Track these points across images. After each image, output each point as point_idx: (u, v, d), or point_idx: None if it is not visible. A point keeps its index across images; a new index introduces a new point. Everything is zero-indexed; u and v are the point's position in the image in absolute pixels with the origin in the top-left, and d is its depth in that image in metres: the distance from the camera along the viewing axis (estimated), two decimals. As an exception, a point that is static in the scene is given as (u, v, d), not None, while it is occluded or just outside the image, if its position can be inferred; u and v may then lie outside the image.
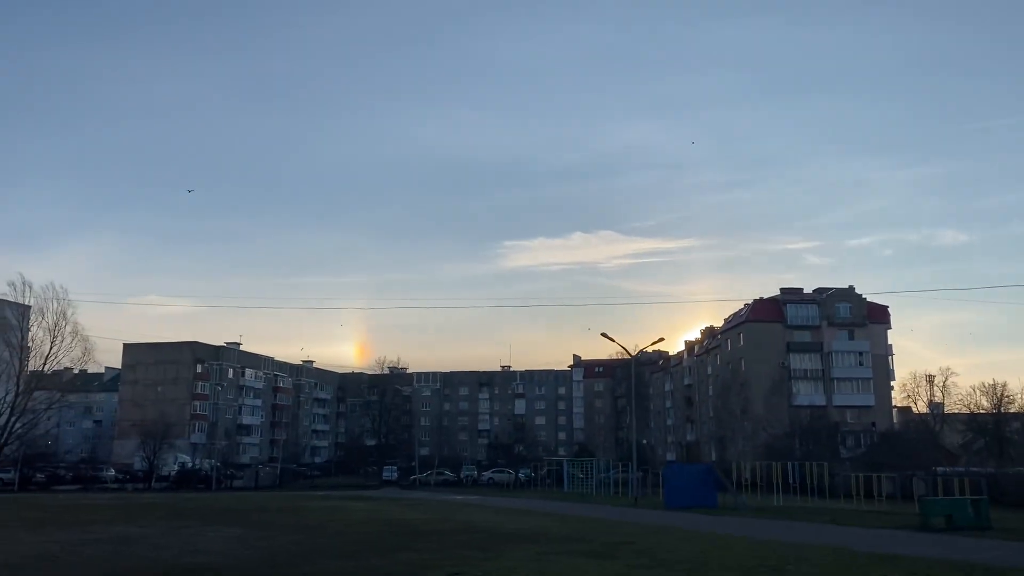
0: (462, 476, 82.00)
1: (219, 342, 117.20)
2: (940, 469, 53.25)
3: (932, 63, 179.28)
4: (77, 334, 64.91)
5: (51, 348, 62.09)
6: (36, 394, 61.19)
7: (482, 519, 29.67)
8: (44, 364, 61.45)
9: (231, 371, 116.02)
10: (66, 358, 64.53)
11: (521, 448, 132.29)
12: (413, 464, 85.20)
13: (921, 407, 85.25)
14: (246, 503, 38.53)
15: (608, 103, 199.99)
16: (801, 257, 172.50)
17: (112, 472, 66.30)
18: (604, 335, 45.01)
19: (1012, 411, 70.03)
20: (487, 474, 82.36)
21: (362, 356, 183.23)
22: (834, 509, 37.42)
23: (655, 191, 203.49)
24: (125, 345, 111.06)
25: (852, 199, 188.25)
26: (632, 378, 46.24)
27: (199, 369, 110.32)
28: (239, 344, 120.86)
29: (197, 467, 66.26)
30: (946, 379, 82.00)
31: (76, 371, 65.43)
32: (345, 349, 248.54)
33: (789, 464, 46.84)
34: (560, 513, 34.92)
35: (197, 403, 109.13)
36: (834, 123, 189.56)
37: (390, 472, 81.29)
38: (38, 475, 60.27)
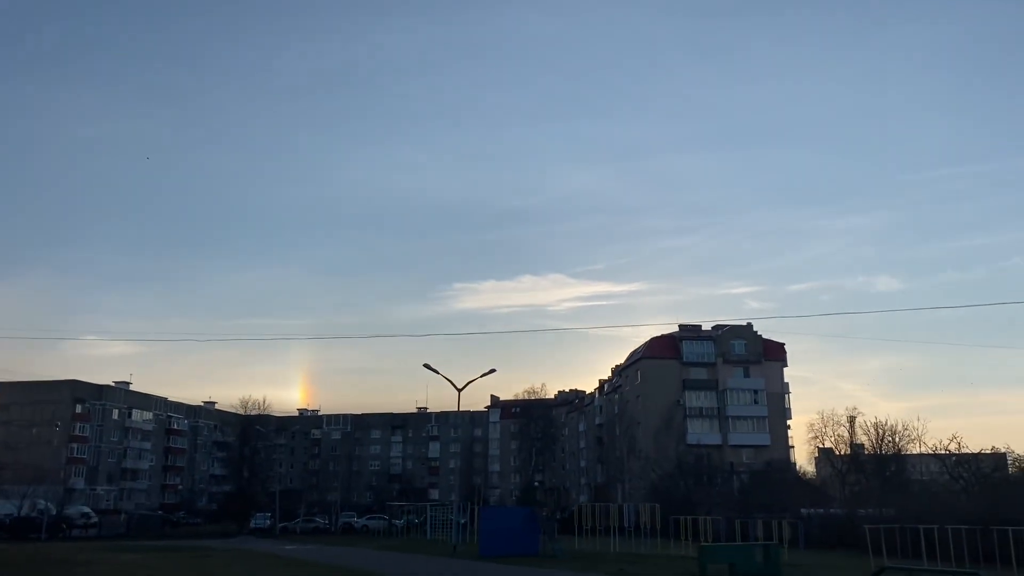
0: (340, 523, 77.43)
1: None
2: (804, 510, 51.18)
3: (868, 114, 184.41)
4: None
5: None
6: None
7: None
8: None
9: (116, 412, 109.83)
10: None
11: (433, 492, 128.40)
12: (283, 510, 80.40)
13: (830, 446, 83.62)
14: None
15: (558, 147, 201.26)
16: (742, 302, 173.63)
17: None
18: (427, 366, 41.77)
19: (901, 453, 68.47)
20: (361, 520, 78.00)
21: (305, 399, 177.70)
22: (650, 556, 34.57)
23: (604, 235, 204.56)
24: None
25: (792, 246, 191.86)
26: (459, 407, 42.68)
27: (79, 409, 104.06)
28: (128, 383, 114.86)
29: (31, 515, 60.78)
30: (853, 419, 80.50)
31: None
32: (294, 393, 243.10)
33: (648, 507, 44.14)
34: (339, 564, 31.34)
35: (75, 445, 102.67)
36: (776, 172, 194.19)
37: (262, 519, 76.44)
38: None
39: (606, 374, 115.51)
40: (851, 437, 78.92)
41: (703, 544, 30.17)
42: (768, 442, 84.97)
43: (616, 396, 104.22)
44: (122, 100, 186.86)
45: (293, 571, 28.01)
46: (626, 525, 43.62)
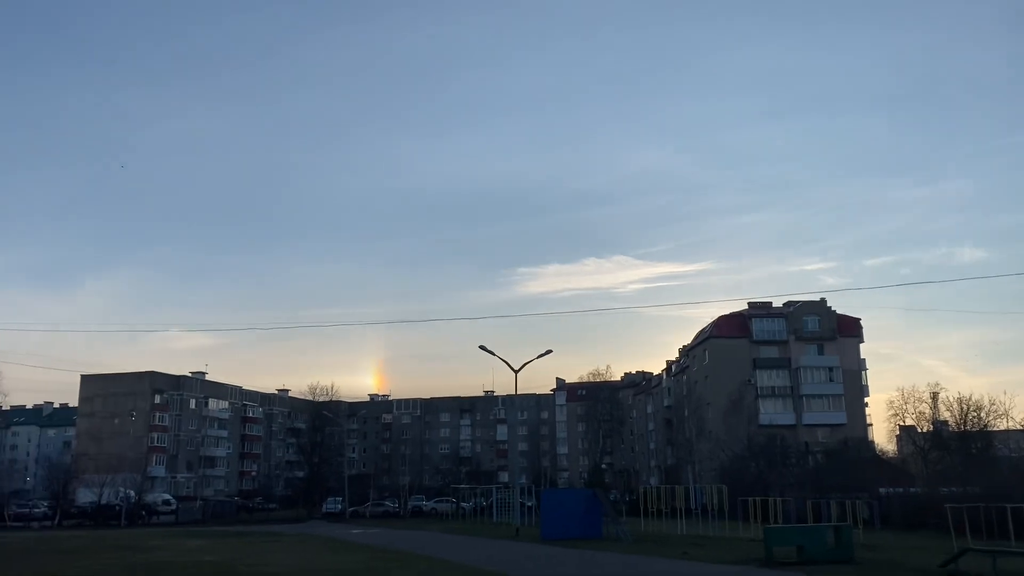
0: (410, 506, 77.93)
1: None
2: (883, 490, 49.12)
3: (946, 80, 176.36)
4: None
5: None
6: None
7: (269, 560, 26.00)
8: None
9: (193, 401, 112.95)
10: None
11: (503, 475, 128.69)
12: (354, 495, 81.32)
13: (911, 424, 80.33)
14: (71, 544, 35.05)
15: (620, 128, 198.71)
16: (816, 278, 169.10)
17: (17, 509, 62.91)
18: (483, 347, 41.13)
19: (987, 429, 65.13)
20: (429, 504, 78.37)
21: (379, 385, 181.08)
22: (716, 539, 33.41)
23: (668, 215, 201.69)
24: (83, 377, 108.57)
25: (866, 218, 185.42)
26: (516, 390, 42.12)
27: (158, 400, 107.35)
28: (204, 374, 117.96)
29: (112, 502, 62.83)
30: (936, 395, 77.10)
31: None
32: (366, 380, 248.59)
33: (710, 488, 42.81)
34: (399, 549, 31.12)
35: (155, 435, 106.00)
36: (847, 143, 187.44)
37: (334, 504, 77.45)
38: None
39: (673, 355, 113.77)
40: (933, 414, 75.48)
41: (768, 525, 28.84)
42: (844, 421, 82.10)
43: (684, 377, 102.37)
44: (194, 100, 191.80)
45: (345, 554, 27.86)
46: (693, 507, 42.41)
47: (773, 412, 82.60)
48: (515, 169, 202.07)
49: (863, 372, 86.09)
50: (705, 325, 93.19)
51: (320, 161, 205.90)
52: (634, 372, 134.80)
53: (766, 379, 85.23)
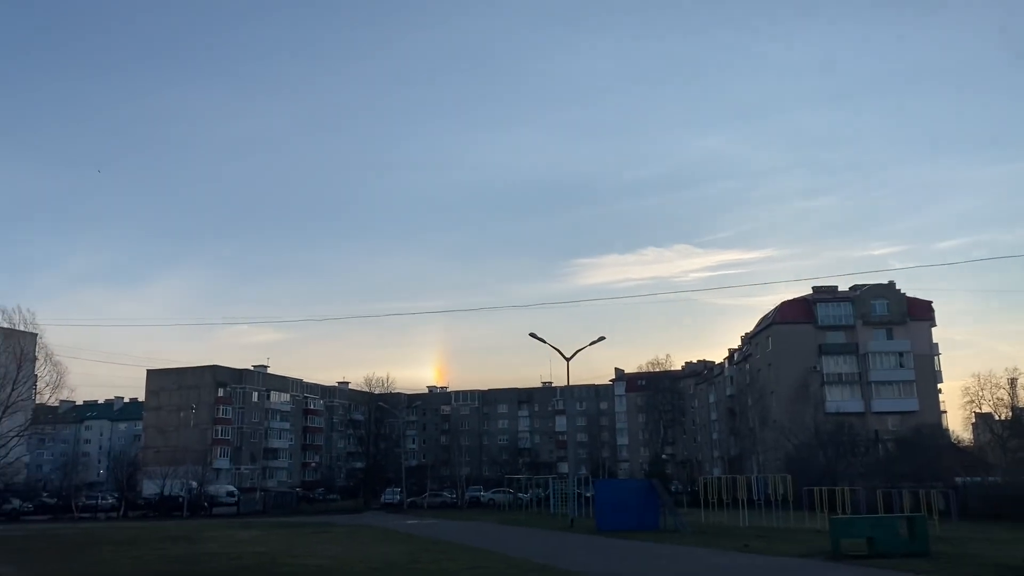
0: (467, 496, 77.63)
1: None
2: (960, 479, 46.67)
3: (1021, 55, 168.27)
4: (48, 360, 63.87)
5: (18, 373, 60.99)
6: (5, 422, 59.92)
7: (315, 552, 25.51)
8: (11, 390, 60.16)
9: (255, 394, 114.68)
10: (46, 385, 63.67)
11: (562, 466, 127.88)
12: (413, 486, 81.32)
13: (988, 411, 76.79)
14: (126, 535, 35.29)
15: (677, 114, 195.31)
16: (885, 262, 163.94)
17: (86, 500, 64.52)
18: (533, 335, 40.05)
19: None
20: (487, 494, 77.87)
21: (440, 377, 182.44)
22: (780, 530, 31.83)
23: (730, 201, 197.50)
24: (149, 371, 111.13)
25: (938, 200, 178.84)
26: (568, 381, 41.00)
27: (221, 393, 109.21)
28: (266, 367, 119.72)
29: (175, 494, 63.92)
30: (1014, 380, 73.44)
31: (49, 398, 63.97)
32: (425, 372, 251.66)
33: (771, 478, 41.13)
34: (450, 540, 30.41)
35: (219, 427, 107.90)
36: (916, 123, 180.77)
37: (392, 495, 77.62)
38: (5, 505, 58.93)
39: (736, 344, 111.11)
40: (1012, 400, 72.00)
41: (835, 516, 27.22)
42: (916, 408, 78.74)
43: (746, 365, 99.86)
44: (258, 97, 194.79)
45: (394, 545, 27.25)
46: (757, 498, 40.80)
47: (840, 399, 79.74)
48: (572, 159, 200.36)
49: (935, 357, 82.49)
50: (768, 311, 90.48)
51: (380, 156, 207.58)
52: (695, 361, 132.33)
53: (832, 365, 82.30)
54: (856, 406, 79.75)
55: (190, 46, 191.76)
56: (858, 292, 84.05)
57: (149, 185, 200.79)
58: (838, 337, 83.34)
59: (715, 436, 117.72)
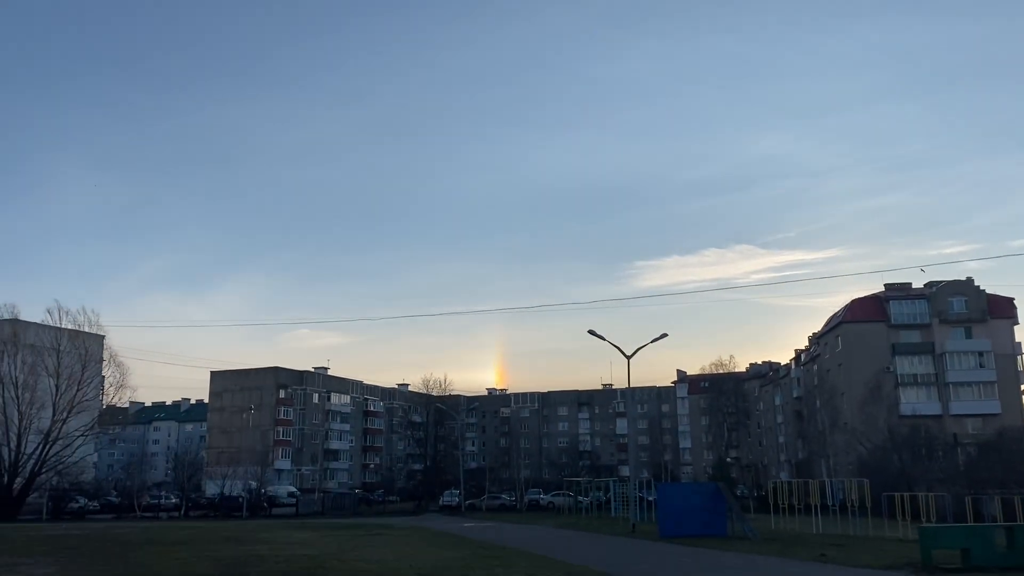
0: (526, 499, 76.35)
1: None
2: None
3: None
4: (112, 360, 64.92)
5: (84, 373, 62.06)
6: (71, 421, 61.00)
7: (364, 555, 24.57)
8: (77, 390, 61.22)
9: (316, 396, 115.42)
10: (110, 386, 64.80)
11: (623, 469, 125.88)
12: (472, 488, 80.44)
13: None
14: (180, 535, 34.95)
15: (737, 114, 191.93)
16: (958, 261, 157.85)
17: (149, 500, 65.30)
18: (592, 332, 38.46)
19: None
20: (546, 497, 76.43)
21: (500, 379, 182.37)
22: (858, 539, 29.71)
23: (792, 201, 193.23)
24: (212, 373, 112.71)
25: (1013, 196, 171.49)
26: (629, 381, 39.35)
27: (282, 394, 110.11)
28: (327, 369, 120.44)
29: (235, 494, 64.20)
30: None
31: (113, 398, 64.99)
32: (485, 375, 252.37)
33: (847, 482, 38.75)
34: (506, 545, 29.17)
35: (281, 429, 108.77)
36: (985, 117, 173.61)
37: (451, 497, 76.83)
38: (72, 504, 59.90)
39: (802, 344, 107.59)
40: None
41: (926, 525, 25.11)
42: (998, 410, 74.54)
43: (814, 366, 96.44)
44: (317, 106, 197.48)
45: (449, 550, 26.11)
46: (831, 503, 38.54)
47: (916, 401, 76.03)
48: (632, 161, 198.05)
49: (1019, 357, 78.10)
50: (837, 310, 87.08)
51: (438, 161, 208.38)
52: (760, 363, 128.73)
53: (907, 366, 78.61)
54: (933, 408, 75.99)
55: (251, 58, 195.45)
56: (934, 289, 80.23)
57: (214, 193, 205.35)
58: (913, 336, 79.61)
59: (781, 439, 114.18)
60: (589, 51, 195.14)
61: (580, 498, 69.71)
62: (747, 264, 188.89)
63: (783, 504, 38.06)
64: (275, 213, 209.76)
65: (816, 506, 36.32)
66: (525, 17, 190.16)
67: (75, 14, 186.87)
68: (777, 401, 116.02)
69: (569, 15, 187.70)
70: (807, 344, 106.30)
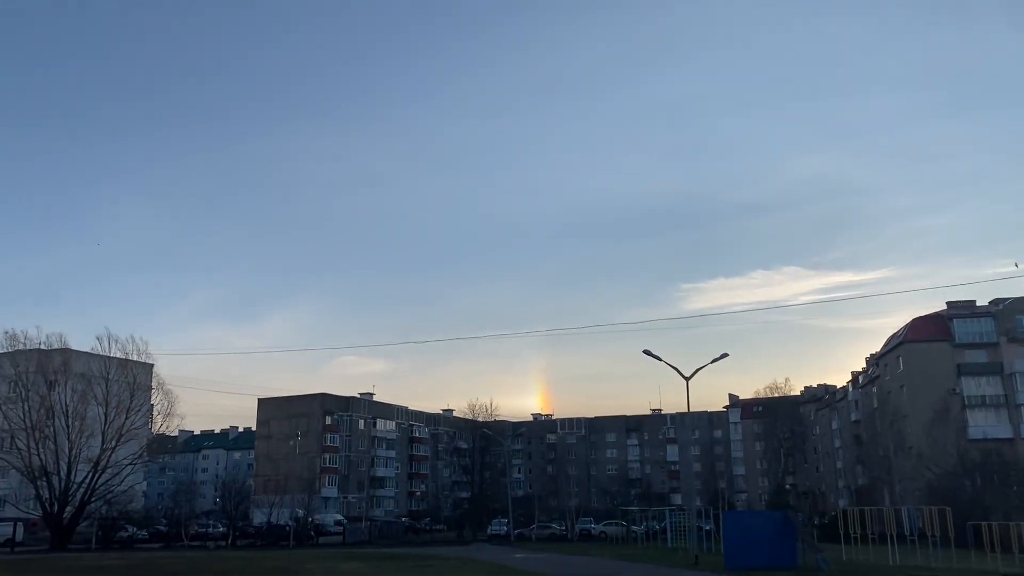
0: (577, 529, 74.23)
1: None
2: None
3: None
4: (160, 388, 64.81)
5: (132, 401, 61.93)
6: (120, 449, 60.82)
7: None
8: (126, 418, 61.09)
9: (361, 422, 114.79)
10: (158, 414, 64.66)
11: (675, 497, 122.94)
12: (519, 517, 78.48)
13: None
14: (226, 565, 33.95)
15: (781, 133, 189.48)
16: (1018, 279, 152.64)
17: (197, 529, 64.68)
18: (647, 352, 36.74)
19: None
20: (598, 527, 74.18)
21: (543, 404, 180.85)
22: (942, 571, 27.46)
23: (841, 221, 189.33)
24: (259, 400, 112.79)
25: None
26: (688, 404, 37.49)
27: (328, 421, 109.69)
28: (372, 395, 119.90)
29: (282, 523, 63.33)
30: None
31: (161, 426, 64.77)
32: (528, 400, 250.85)
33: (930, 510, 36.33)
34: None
35: (327, 455, 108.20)
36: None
37: (499, 526, 74.98)
38: (120, 533, 59.52)
39: (857, 366, 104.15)
40: None
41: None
42: (1074, 433, 70.82)
43: (873, 388, 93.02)
44: (357, 136, 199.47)
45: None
46: (907, 532, 36.10)
47: (985, 424, 72.56)
48: (676, 183, 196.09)
49: (1095, 377, 74.19)
50: (897, 329, 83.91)
51: (482, 186, 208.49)
52: (815, 386, 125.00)
53: (974, 387, 75.20)
54: (1004, 431, 72.41)
55: (295, 88, 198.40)
56: (1000, 306, 76.81)
57: (260, 222, 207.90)
58: (979, 356, 76.22)
59: (839, 465, 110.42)
60: (632, 74, 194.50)
61: (632, 527, 67.62)
62: (795, 286, 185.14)
63: (854, 533, 35.75)
64: (320, 241, 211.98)
65: (892, 535, 33.98)
66: (568, 42, 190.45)
67: (126, 48, 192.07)
68: (834, 425, 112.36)
69: (612, 40, 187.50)
70: (864, 366, 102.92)
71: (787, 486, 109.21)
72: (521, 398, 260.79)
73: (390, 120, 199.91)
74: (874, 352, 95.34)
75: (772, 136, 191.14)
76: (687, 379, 35.96)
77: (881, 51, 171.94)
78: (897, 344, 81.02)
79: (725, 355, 36.35)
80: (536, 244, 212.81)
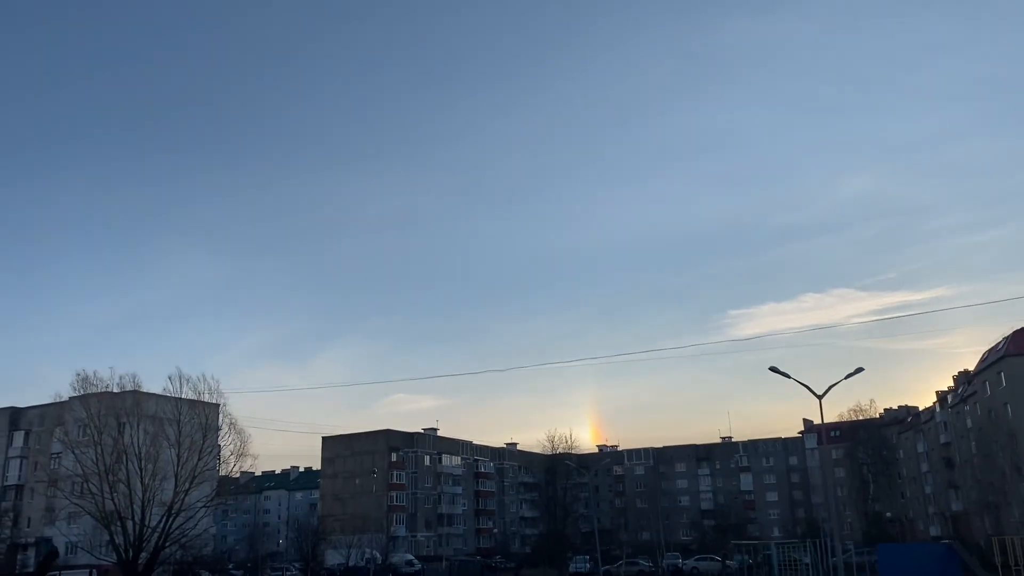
0: (664, 564, 70.35)
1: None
2: None
3: None
4: (232, 428, 62.90)
5: (204, 442, 60.09)
6: (192, 492, 58.88)
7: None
8: (198, 459, 59.21)
9: (427, 458, 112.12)
10: (230, 454, 62.72)
11: (753, 529, 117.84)
12: (614, 552, 74.84)
13: None
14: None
15: (825, 155, 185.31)
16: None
17: (272, 571, 62.52)
18: (774, 369, 33.54)
19: None
20: (689, 562, 70.12)
21: (596, 436, 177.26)
22: None
23: (890, 241, 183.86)
24: (324, 439, 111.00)
25: None
26: (822, 418, 34.04)
27: (394, 458, 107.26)
28: (436, 430, 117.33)
29: (359, 564, 60.82)
30: None
31: (233, 468, 62.73)
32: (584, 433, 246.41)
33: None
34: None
35: (394, 493, 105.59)
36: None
37: (582, 563, 71.35)
38: (196, 578, 57.77)
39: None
40: None
41: None
42: None
43: (965, 407, 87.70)
44: (397, 175, 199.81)
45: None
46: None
47: (1106, 442, 67.16)
48: (721, 208, 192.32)
49: None
50: (996, 343, 78.91)
51: (530, 219, 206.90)
52: (896, 407, 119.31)
53: (1088, 402, 69.84)
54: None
55: (339, 130, 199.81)
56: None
57: (310, 263, 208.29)
58: (1090, 367, 70.94)
59: (928, 490, 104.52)
60: (676, 101, 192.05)
61: (727, 562, 63.73)
62: (846, 308, 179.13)
63: (1018, 565, 31.86)
64: (370, 279, 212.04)
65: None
66: (612, 73, 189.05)
67: (177, 95, 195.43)
68: (920, 448, 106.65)
69: (656, 67, 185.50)
70: (951, 384, 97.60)
71: (887, 515, 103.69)
72: (582, 429, 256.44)
73: (436, 159, 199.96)
74: (967, 368, 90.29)
75: (816, 157, 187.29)
76: (819, 397, 32.68)
77: (926, 67, 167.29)
78: (997, 359, 75.99)
79: (860, 369, 33.02)
80: (585, 275, 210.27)
